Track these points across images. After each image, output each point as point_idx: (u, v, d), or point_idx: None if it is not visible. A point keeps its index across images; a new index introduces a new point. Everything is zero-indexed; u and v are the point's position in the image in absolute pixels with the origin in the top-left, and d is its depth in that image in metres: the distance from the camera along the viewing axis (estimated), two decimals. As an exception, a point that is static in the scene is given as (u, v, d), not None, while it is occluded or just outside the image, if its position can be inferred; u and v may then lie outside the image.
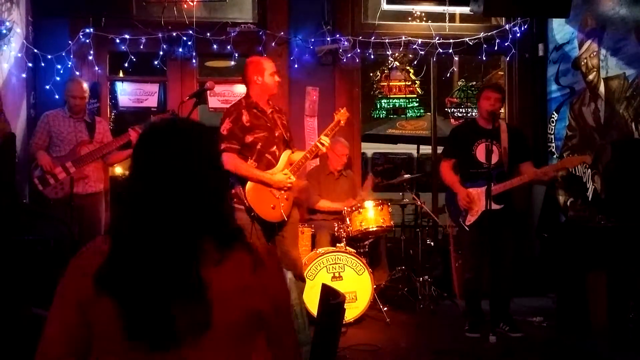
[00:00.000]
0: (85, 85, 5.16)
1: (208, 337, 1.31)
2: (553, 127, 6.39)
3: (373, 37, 6.20)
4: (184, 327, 1.29)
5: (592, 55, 5.70)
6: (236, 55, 6.05)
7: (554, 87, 6.40)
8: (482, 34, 6.35)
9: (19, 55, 5.39)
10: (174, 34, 5.93)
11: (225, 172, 1.53)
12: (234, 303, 1.35)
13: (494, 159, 4.48)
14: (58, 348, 1.35)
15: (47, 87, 5.67)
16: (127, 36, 5.83)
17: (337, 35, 6.13)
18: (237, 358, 1.37)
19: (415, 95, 6.66)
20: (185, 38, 5.94)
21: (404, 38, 6.24)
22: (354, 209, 5.14)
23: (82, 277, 1.33)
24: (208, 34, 5.95)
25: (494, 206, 4.33)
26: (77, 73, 5.80)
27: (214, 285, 1.32)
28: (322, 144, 4.10)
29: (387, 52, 6.33)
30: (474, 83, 6.98)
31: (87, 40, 5.78)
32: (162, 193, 1.35)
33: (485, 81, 7.06)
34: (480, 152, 4.57)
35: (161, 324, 1.29)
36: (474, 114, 6.71)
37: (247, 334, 1.38)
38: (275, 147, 4.05)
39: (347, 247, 5.01)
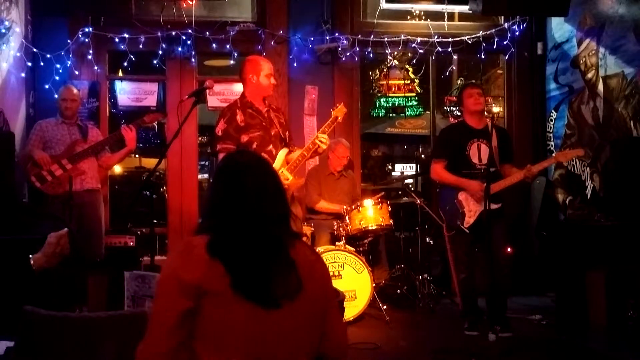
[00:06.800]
0: (76, 90, 5.21)
1: (299, 301, 1.66)
2: (552, 126, 6.40)
3: (372, 36, 6.21)
4: (282, 291, 1.63)
5: (590, 53, 5.71)
6: (235, 54, 6.05)
7: (552, 85, 6.41)
8: (481, 33, 6.35)
9: (18, 54, 5.39)
10: (173, 33, 5.93)
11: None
12: (311, 274, 1.72)
13: (484, 158, 4.47)
14: (170, 341, 1.59)
15: (47, 86, 5.67)
16: (126, 35, 5.82)
17: (336, 34, 6.13)
18: (318, 323, 1.74)
19: (414, 94, 6.66)
20: (184, 37, 5.94)
21: (403, 37, 6.24)
22: (353, 207, 5.15)
23: (194, 265, 1.61)
24: (207, 33, 5.95)
25: (493, 206, 4.33)
26: (77, 72, 5.81)
27: (298, 261, 1.71)
28: (321, 142, 4.09)
29: (386, 51, 6.33)
30: (473, 82, 6.98)
31: (87, 40, 5.78)
32: (255, 203, 1.73)
33: (484, 80, 7.06)
34: (473, 153, 4.57)
35: (264, 288, 1.62)
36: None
37: (322, 303, 1.76)
38: (271, 145, 4.05)
39: (347, 246, 5.01)
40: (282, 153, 4.10)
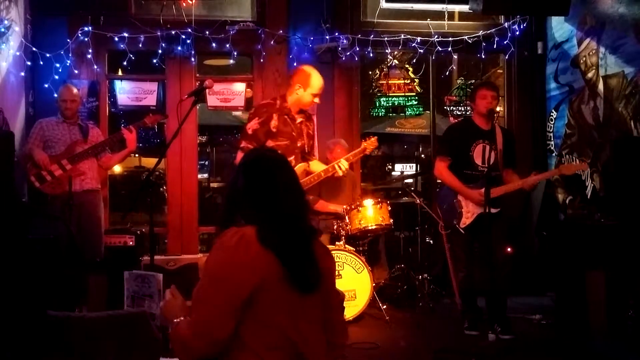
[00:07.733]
0: (76, 90, 5.21)
1: (320, 290, 1.88)
2: (552, 126, 6.40)
3: (372, 36, 6.20)
4: (315, 279, 1.86)
5: (591, 53, 5.70)
6: (235, 53, 6.04)
7: (553, 85, 6.41)
8: (481, 32, 6.35)
9: (18, 53, 5.38)
10: (173, 32, 5.92)
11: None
12: (323, 266, 1.95)
13: (487, 160, 4.45)
14: (230, 326, 1.71)
15: (46, 85, 5.66)
16: (125, 34, 5.81)
17: (336, 34, 6.12)
18: (330, 298, 1.98)
19: (414, 94, 6.66)
20: (184, 36, 5.94)
21: (403, 36, 6.23)
22: (353, 207, 5.14)
23: (254, 260, 1.75)
24: (207, 32, 5.94)
25: (492, 210, 4.29)
26: (76, 72, 5.81)
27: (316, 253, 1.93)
28: (340, 168, 4.20)
29: (386, 51, 6.32)
30: (473, 81, 6.98)
31: (86, 39, 5.77)
32: (287, 196, 1.91)
33: (484, 79, 7.06)
34: (477, 154, 4.54)
35: (310, 275, 1.84)
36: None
37: (330, 293, 2.00)
38: (293, 157, 4.13)
39: (347, 246, 5.00)
40: (300, 168, 4.20)
